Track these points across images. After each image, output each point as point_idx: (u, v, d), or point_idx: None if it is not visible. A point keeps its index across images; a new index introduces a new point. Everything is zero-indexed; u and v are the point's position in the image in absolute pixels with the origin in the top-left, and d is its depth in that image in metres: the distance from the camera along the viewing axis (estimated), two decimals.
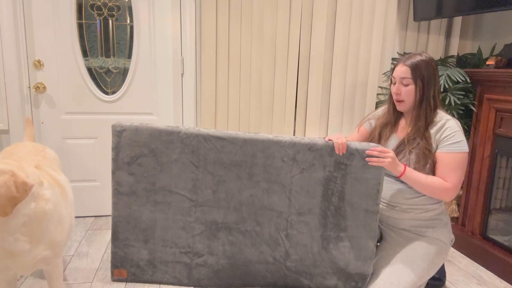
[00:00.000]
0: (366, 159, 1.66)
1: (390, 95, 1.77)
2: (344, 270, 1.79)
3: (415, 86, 1.64)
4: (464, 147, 1.61)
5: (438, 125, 1.65)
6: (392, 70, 1.74)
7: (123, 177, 1.79)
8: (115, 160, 1.78)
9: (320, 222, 1.78)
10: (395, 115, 1.79)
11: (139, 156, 1.77)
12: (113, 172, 1.79)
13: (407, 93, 1.66)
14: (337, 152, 1.68)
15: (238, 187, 1.78)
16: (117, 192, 1.80)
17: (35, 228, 1.28)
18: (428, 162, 1.63)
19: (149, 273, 1.87)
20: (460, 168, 1.61)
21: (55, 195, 1.38)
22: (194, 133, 1.75)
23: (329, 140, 1.70)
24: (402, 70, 1.65)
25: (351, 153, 1.70)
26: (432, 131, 1.66)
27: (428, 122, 1.66)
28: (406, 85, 1.65)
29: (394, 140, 1.76)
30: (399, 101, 1.70)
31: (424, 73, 1.63)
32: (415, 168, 1.64)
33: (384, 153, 1.61)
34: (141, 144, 1.76)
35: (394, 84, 1.70)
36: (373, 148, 1.65)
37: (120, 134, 1.76)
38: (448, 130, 1.63)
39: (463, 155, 1.61)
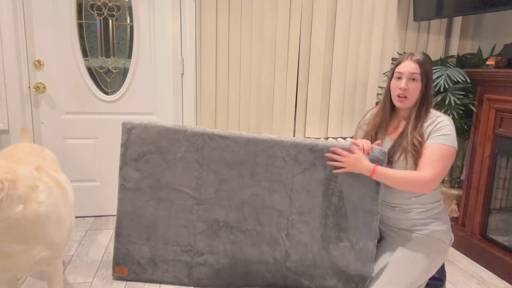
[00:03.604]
0: (328, 162, 1.70)
1: (387, 92, 1.75)
2: (344, 271, 1.79)
3: (421, 83, 1.65)
4: (451, 141, 1.59)
5: (430, 121, 1.66)
6: (395, 66, 1.72)
7: (129, 173, 1.82)
8: (123, 156, 1.82)
9: (320, 222, 1.78)
10: (389, 114, 1.77)
11: (146, 153, 1.81)
12: (121, 168, 1.83)
13: (414, 90, 1.65)
14: (361, 151, 1.68)
15: (240, 186, 1.80)
16: (123, 187, 1.84)
17: (28, 230, 1.26)
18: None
19: (149, 271, 1.88)
20: (443, 161, 1.58)
21: (52, 197, 1.37)
22: (200, 132, 1.78)
23: (353, 143, 1.70)
24: (413, 66, 1.64)
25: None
26: (424, 127, 1.66)
27: (424, 119, 1.67)
28: (415, 81, 1.64)
29: (387, 141, 1.75)
30: (402, 98, 1.67)
31: (429, 71, 1.66)
32: (414, 162, 1.63)
33: (343, 154, 1.65)
34: (149, 141, 1.80)
35: (398, 79, 1.67)
36: (333, 148, 1.69)
37: (129, 131, 1.81)
38: (439, 124, 1.63)
39: (449, 148, 1.59)
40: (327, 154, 1.70)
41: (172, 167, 1.81)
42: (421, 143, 1.62)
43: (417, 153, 1.61)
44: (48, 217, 1.33)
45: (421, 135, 1.63)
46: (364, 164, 1.62)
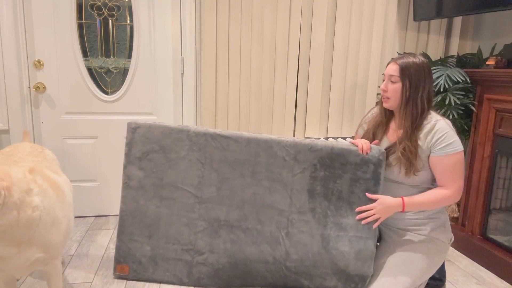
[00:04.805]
0: (362, 222, 1.74)
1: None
2: (344, 271, 1.79)
3: (402, 85, 1.65)
4: (457, 146, 1.61)
5: (427, 127, 1.64)
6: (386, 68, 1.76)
7: (133, 171, 1.85)
8: (127, 155, 1.86)
9: (320, 221, 1.78)
10: (386, 116, 1.79)
11: (150, 152, 1.84)
12: (125, 167, 1.86)
13: (393, 91, 1.67)
14: (360, 152, 1.73)
15: (241, 185, 1.82)
16: (127, 186, 1.86)
17: (20, 234, 1.26)
18: (416, 164, 1.63)
19: (150, 270, 1.88)
20: (458, 169, 1.62)
21: (46, 199, 1.36)
22: (202, 132, 1.83)
23: (352, 143, 1.75)
24: (393, 68, 1.67)
25: (351, 153, 1.72)
26: (422, 134, 1.64)
27: (416, 124, 1.65)
28: (394, 83, 1.67)
29: (385, 142, 1.77)
30: (385, 98, 1.71)
31: (412, 74, 1.63)
32: (406, 172, 1.64)
33: (370, 208, 1.72)
34: (153, 140, 1.84)
35: (383, 81, 1.73)
36: (358, 209, 1.73)
37: (134, 130, 1.85)
38: (438, 133, 1.62)
39: (458, 155, 1.61)
40: (357, 218, 1.74)
41: (175, 166, 1.84)
42: (413, 152, 1.62)
43: (408, 161, 1.62)
44: (42, 220, 1.32)
45: (415, 143, 1.63)
46: (392, 204, 1.67)
